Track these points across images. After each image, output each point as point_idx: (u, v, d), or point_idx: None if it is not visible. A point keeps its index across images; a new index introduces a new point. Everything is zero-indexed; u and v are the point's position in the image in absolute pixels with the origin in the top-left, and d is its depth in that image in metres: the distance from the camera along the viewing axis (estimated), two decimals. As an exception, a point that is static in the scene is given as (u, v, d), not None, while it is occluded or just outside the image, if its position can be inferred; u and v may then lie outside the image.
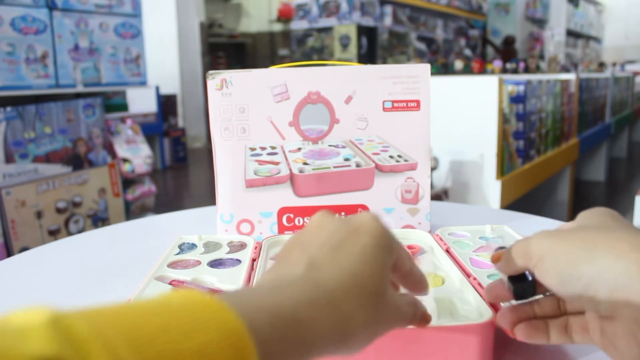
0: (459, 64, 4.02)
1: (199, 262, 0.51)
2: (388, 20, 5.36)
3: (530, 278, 0.33)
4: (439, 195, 2.07)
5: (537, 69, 4.11)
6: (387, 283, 0.29)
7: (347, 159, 0.62)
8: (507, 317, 0.35)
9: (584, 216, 0.32)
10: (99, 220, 2.16)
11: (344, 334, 0.25)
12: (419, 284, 0.33)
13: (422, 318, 0.32)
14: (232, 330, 0.19)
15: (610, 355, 0.30)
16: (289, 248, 0.30)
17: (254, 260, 0.52)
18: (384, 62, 5.24)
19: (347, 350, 0.26)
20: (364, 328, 0.26)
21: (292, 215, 0.63)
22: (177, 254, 0.54)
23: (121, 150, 2.43)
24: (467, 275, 0.46)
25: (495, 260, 0.34)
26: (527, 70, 3.91)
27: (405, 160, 0.62)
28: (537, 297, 0.35)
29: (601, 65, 5.95)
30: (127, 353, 0.16)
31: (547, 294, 0.34)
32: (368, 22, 5.05)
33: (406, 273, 0.32)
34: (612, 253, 0.27)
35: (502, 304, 0.39)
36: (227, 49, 5.86)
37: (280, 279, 0.27)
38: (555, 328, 0.33)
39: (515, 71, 3.66)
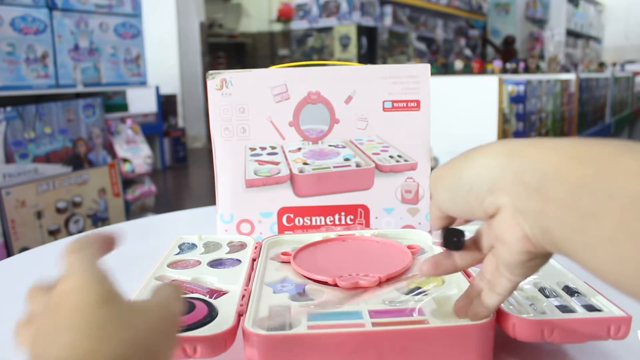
0: (459, 64, 4.02)
1: (199, 262, 0.51)
2: (388, 20, 5.36)
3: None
4: (439, 195, 2.08)
5: (537, 69, 4.11)
6: (117, 306, 0.25)
7: (347, 159, 0.62)
8: (426, 263, 0.37)
9: None
10: (99, 220, 2.17)
11: None
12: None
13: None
14: None
15: (502, 257, 0.31)
16: None
17: (254, 260, 0.52)
18: (384, 62, 5.24)
19: None
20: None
21: (292, 215, 0.63)
22: (177, 254, 0.54)
23: (121, 150, 2.43)
24: (467, 275, 0.46)
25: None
26: (527, 70, 3.91)
27: (405, 160, 0.62)
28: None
29: (601, 65, 5.95)
30: None
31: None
32: (368, 22, 5.05)
33: None
34: (484, 154, 0.29)
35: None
36: (227, 49, 5.86)
37: None
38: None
39: (515, 71, 3.66)
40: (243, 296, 0.43)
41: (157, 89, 3.85)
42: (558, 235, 0.24)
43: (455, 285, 0.44)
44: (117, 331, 0.24)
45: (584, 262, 0.23)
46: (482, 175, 0.28)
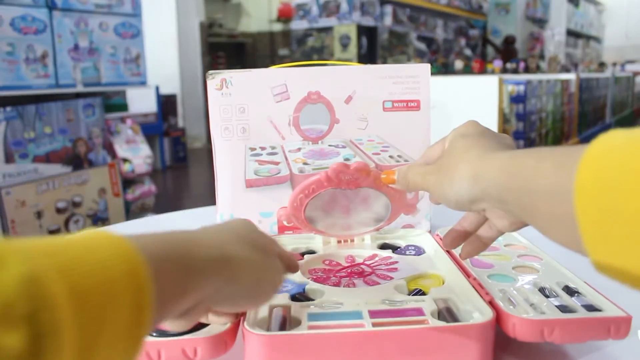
0: (459, 64, 4.02)
1: (199, 262, 0.51)
2: (388, 20, 5.36)
3: None
4: (439, 195, 2.07)
5: (537, 69, 4.11)
6: (263, 240, 0.36)
7: (347, 159, 0.62)
8: (446, 238, 0.43)
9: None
10: (99, 220, 2.17)
11: (225, 264, 0.30)
12: (289, 261, 0.39)
13: (294, 265, 0.39)
14: (125, 249, 0.23)
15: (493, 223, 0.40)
16: None
17: (254, 260, 0.52)
18: (384, 62, 5.24)
19: (235, 286, 0.31)
20: (246, 266, 0.32)
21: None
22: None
23: (121, 150, 2.43)
24: (467, 275, 0.46)
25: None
26: (527, 70, 3.91)
27: (405, 160, 0.62)
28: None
29: (601, 65, 5.96)
30: (40, 259, 0.20)
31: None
32: (368, 22, 5.05)
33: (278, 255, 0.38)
34: (459, 178, 0.36)
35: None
36: (227, 49, 5.86)
37: None
38: (482, 232, 0.42)
39: (515, 71, 3.66)
40: (243, 296, 0.43)
41: (157, 89, 3.85)
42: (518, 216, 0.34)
43: (455, 285, 0.44)
44: (256, 239, 0.35)
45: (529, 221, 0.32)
46: (462, 195, 0.36)
